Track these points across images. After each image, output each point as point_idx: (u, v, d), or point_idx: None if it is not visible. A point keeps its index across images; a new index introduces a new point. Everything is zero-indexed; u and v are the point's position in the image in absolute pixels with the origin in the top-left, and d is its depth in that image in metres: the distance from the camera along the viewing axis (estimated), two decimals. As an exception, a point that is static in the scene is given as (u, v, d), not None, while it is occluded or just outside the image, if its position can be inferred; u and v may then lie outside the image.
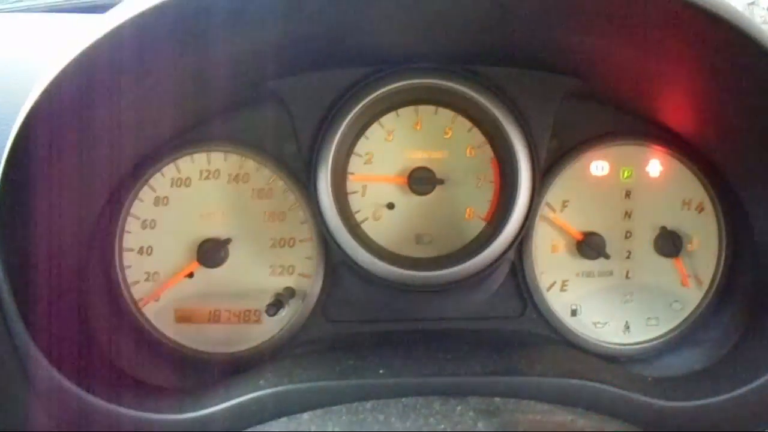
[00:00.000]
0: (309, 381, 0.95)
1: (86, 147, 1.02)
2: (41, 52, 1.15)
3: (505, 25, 1.05)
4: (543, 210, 1.26)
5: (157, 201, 1.22)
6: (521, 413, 0.86)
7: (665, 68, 1.05)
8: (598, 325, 1.28)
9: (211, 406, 0.96)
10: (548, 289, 1.27)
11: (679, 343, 1.26)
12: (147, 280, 1.22)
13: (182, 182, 1.23)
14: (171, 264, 1.22)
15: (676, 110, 1.22)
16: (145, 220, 1.22)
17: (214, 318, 1.24)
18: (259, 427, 0.89)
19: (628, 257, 1.27)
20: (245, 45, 1.02)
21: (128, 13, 0.82)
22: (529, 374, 1.00)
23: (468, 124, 1.23)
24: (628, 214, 1.27)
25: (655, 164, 1.26)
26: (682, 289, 1.27)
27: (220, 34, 0.95)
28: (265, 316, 1.21)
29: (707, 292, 1.27)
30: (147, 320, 1.22)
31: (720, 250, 1.26)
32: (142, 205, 1.22)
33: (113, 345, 1.15)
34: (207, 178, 1.23)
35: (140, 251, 1.22)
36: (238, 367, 1.19)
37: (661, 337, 1.27)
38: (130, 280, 1.22)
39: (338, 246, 1.17)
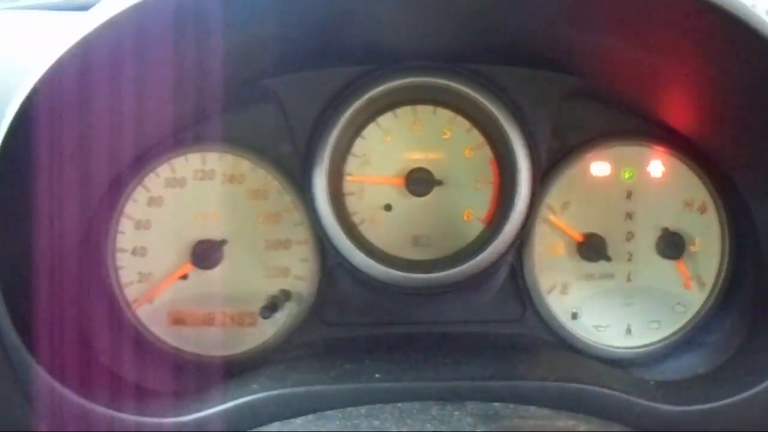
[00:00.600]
0: (303, 385, 0.94)
1: (78, 147, 1.00)
2: (31, 49, 1.14)
3: (505, 22, 1.03)
4: (543, 211, 1.24)
5: (151, 201, 1.21)
6: (520, 419, 0.84)
7: (668, 66, 1.04)
8: (599, 329, 1.26)
9: (203, 410, 0.94)
10: (548, 292, 1.25)
11: (682, 346, 1.25)
12: (140, 281, 1.21)
13: (177, 182, 1.21)
14: (165, 265, 1.21)
15: (679, 109, 1.20)
16: (139, 221, 1.20)
17: (209, 320, 1.22)
18: None
19: (629, 259, 1.25)
20: (240, 41, 1.00)
21: (117, 8, 0.81)
22: (528, 379, 0.98)
23: (467, 124, 1.22)
24: (629, 216, 1.25)
25: (657, 165, 1.24)
26: (684, 291, 1.25)
27: (216, 29, 0.94)
28: (260, 319, 1.19)
29: (710, 294, 1.25)
30: (140, 322, 1.20)
31: (723, 252, 1.24)
32: (136, 206, 1.20)
33: (106, 347, 1.14)
34: (202, 178, 1.22)
35: (134, 252, 1.20)
36: (233, 371, 1.16)
37: (663, 340, 1.25)
38: (123, 281, 1.20)
39: (334, 248, 1.16)
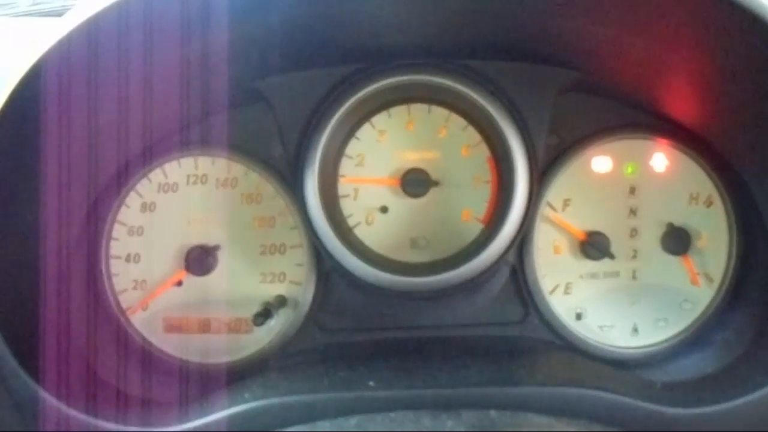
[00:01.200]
0: (295, 394, 0.91)
1: (69, 151, 0.99)
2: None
3: (500, 16, 1.01)
4: (544, 209, 1.21)
5: (144, 207, 1.19)
6: (517, 428, 0.81)
7: (669, 55, 1.00)
8: (604, 329, 1.23)
9: (194, 419, 0.92)
10: (551, 293, 1.22)
11: (690, 344, 1.21)
12: (135, 288, 1.19)
13: (169, 188, 1.20)
14: (159, 272, 1.19)
15: (682, 100, 1.17)
16: (132, 227, 1.19)
17: (204, 327, 1.21)
18: None
19: (634, 257, 1.22)
20: (228, 43, 0.98)
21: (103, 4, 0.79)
22: (529, 384, 0.96)
23: (463, 122, 1.19)
24: (633, 212, 1.22)
25: (660, 158, 1.21)
26: (692, 288, 1.22)
27: (206, 31, 0.92)
28: (254, 326, 1.17)
29: (718, 290, 1.21)
30: (135, 330, 1.19)
31: (731, 246, 1.21)
32: (129, 212, 1.19)
33: (99, 355, 1.12)
34: (194, 183, 1.20)
35: (127, 259, 1.19)
36: (228, 378, 1.15)
37: (671, 339, 1.22)
38: (117, 288, 1.19)
39: (328, 252, 1.14)
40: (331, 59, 1.13)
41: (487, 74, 1.15)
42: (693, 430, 0.94)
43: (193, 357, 1.20)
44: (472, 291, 1.19)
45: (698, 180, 1.21)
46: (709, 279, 1.22)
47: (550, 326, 1.22)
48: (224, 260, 1.20)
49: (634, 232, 1.22)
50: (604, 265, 1.22)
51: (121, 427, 0.93)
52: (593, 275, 1.23)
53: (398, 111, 1.19)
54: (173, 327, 1.20)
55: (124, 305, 1.19)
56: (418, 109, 1.19)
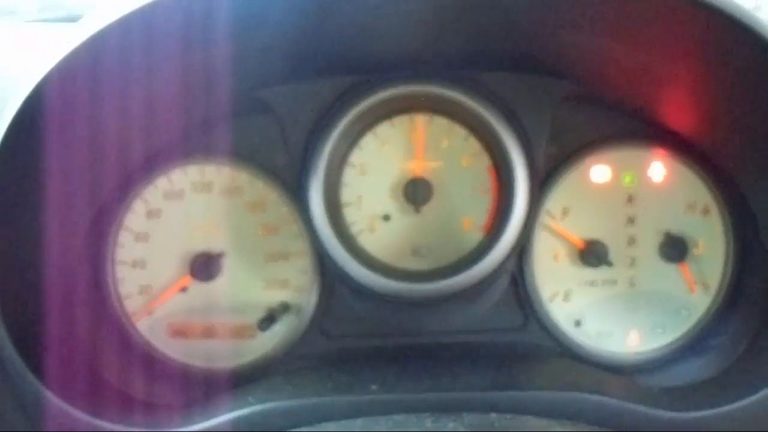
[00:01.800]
0: (299, 397, 0.93)
1: (74, 159, 1.00)
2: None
3: (500, 28, 1.03)
4: (543, 218, 1.23)
5: (150, 214, 1.21)
6: (517, 429, 0.82)
7: (666, 66, 1.02)
8: (603, 336, 1.24)
9: (199, 422, 0.94)
10: (550, 300, 1.24)
11: (687, 351, 1.23)
12: (140, 293, 1.21)
13: (175, 195, 1.21)
14: (164, 277, 1.21)
15: (679, 111, 1.19)
16: (137, 233, 1.21)
17: (209, 333, 1.22)
18: None
19: (632, 264, 1.24)
20: (233, 53, 1.00)
21: (112, 16, 0.81)
22: (528, 388, 0.97)
23: (464, 132, 1.21)
24: (631, 220, 1.24)
25: (658, 167, 1.23)
26: (689, 295, 1.24)
27: (213, 40, 0.94)
28: (259, 331, 1.18)
29: (715, 297, 1.23)
30: (140, 335, 1.21)
31: (727, 254, 1.22)
32: (135, 218, 1.20)
33: (104, 359, 1.14)
34: (200, 190, 1.22)
35: (133, 264, 1.21)
36: (232, 383, 1.16)
37: (668, 345, 1.24)
38: (122, 293, 1.20)
39: (332, 260, 1.15)
40: (335, 69, 1.14)
41: (487, 85, 1.16)
42: None
43: (198, 362, 1.21)
44: (472, 298, 1.21)
45: (695, 189, 1.23)
46: (706, 286, 1.23)
47: (549, 333, 1.23)
48: (229, 267, 1.21)
49: (632, 241, 1.24)
50: (603, 272, 1.24)
51: (125, 428, 0.94)
52: (592, 283, 1.24)
53: (401, 121, 1.20)
54: (178, 332, 1.22)
55: (129, 310, 1.20)
56: (421, 119, 1.21)
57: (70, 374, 1.02)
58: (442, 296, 1.16)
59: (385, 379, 0.99)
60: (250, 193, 1.22)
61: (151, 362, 1.20)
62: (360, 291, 1.17)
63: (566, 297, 1.24)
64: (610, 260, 1.22)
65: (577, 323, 1.24)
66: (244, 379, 1.14)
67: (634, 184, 1.23)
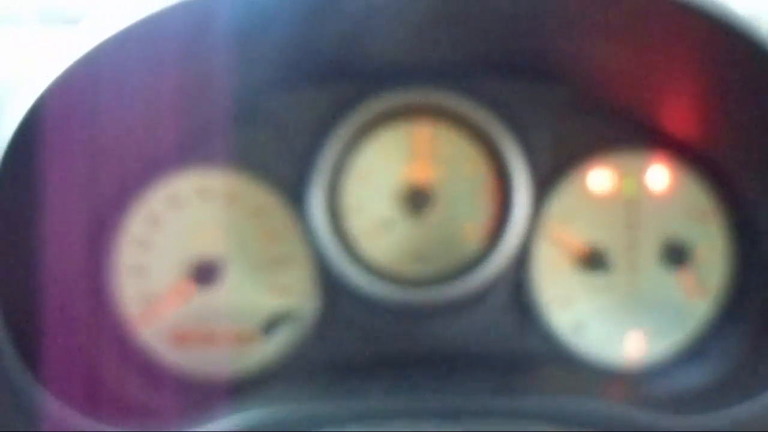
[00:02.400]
0: (299, 403, 0.93)
1: (73, 166, 1.01)
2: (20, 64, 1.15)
3: (501, 35, 1.03)
4: (544, 224, 1.23)
5: (150, 220, 1.21)
6: (516, 434, 0.83)
7: (668, 73, 1.03)
8: (603, 342, 1.24)
9: (199, 426, 0.94)
10: (551, 306, 1.24)
11: (687, 356, 1.22)
12: (140, 300, 1.21)
13: (175, 201, 1.22)
14: (164, 284, 1.21)
15: (680, 117, 1.19)
16: (138, 240, 1.21)
17: (210, 339, 1.22)
18: None
19: (632, 270, 1.24)
20: (234, 60, 1.01)
21: (112, 25, 0.82)
22: (528, 393, 0.97)
23: (464, 138, 1.21)
24: (631, 226, 1.24)
25: (659, 173, 1.23)
26: (689, 301, 1.23)
27: (213, 46, 0.95)
28: (261, 338, 1.19)
29: (716, 303, 1.23)
30: (140, 341, 1.21)
31: (728, 260, 1.23)
32: (136, 225, 1.21)
33: (104, 365, 1.14)
34: (200, 197, 1.22)
35: (133, 271, 1.21)
36: (232, 389, 1.16)
37: (669, 351, 1.23)
38: (123, 300, 1.20)
39: (332, 266, 1.15)
40: (335, 76, 1.15)
41: (487, 91, 1.17)
42: None
43: (198, 368, 1.21)
44: (472, 305, 1.21)
45: (696, 195, 1.23)
46: (707, 292, 1.23)
47: (549, 339, 1.23)
48: (229, 273, 1.22)
49: (632, 247, 1.24)
50: (603, 278, 1.24)
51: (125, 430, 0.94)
52: (592, 289, 1.24)
53: (401, 127, 1.21)
54: (178, 339, 1.22)
55: (129, 317, 1.20)
56: (421, 125, 1.21)
57: (70, 379, 1.02)
58: (442, 303, 1.17)
59: (384, 386, 0.99)
60: (251, 199, 1.22)
61: (151, 368, 1.20)
62: (360, 297, 1.17)
63: (567, 303, 1.24)
64: (610, 266, 1.22)
65: (578, 329, 1.24)
66: (244, 385, 1.14)
67: (635, 190, 1.24)
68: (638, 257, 1.24)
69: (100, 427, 0.94)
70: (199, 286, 1.20)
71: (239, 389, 1.14)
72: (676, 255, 1.22)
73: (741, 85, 0.96)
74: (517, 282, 1.23)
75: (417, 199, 1.20)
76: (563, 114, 1.18)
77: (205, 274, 1.20)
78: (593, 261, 1.22)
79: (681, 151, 1.22)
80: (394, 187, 1.22)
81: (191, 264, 1.20)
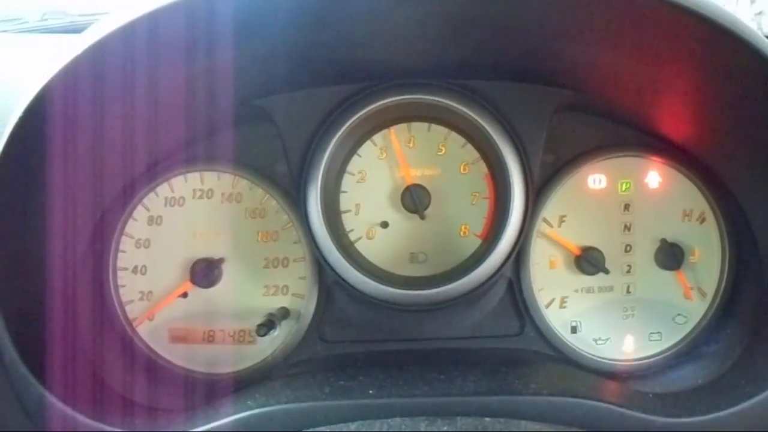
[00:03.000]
0: (297, 401, 0.94)
1: (76, 167, 1.02)
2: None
3: (499, 38, 1.04)
4: (540, 225, 1.24)
5: (151, 220, 1.23)
6: (510, 433, 0.84)
7: (662, 77, 1.04)
8: (599, 342, 1.25)
9: (199, 425, 0.94)
10: (547, 306, 1.25)
11: (683, 357, 1.24)
12: (141, 299, 1.22)
13: (176, 202, 1.23)
14: (165, 283, 1.22)
15: (674, 120, 1.20)
16: (138, 240, 1.22)
17: (208, 338, 1.23)
18: None
19: (628, 271, 1.25)
20: (233, 62, 1.01)
21: (115, 25, 0.82)
22: (523, 393, 0.97)
23: (461, 140, 1.22)
24: (627, 228, 1.25)
25: (654, 176, 1.24)
26: (685, 302, 1.25)
27: (214, 48, 0.95)
28: (259, 337, 1.19)
29: (711, 304, 1.24)
30: (141, 340, 1.22)
31: (723, 261, 1.23)
32: (136, 225, 1.22)
33: (106, 364, 1.15)
34: (200, 197, 1.23)
35: (134, 270, 1.22)
36: (232, 387, 1.18)
37: (664, 352, 1.25)
38: (124, 299, 1.22)
39: (330, 266, 1.16)
40: (334, 78, 1.16)
41: (485, 94, 1.18)
42: None
43: (198, 367, 1.23)
44: (469, 304, 1.22)
45: (691, 197, 1.24)
46: (702, 293, 1.24)
47: (545, 339, 1.24)
48: (229, 273, 1.23)
49: (628, 248, 1.25)
50: (599, 279, 1.25)
51: (127, 431, 0.95)
52: (588, 289, 1.25)
53: (399, 129, 1.22)
54: (178, 337, 1.23)
55: (130, 316, 1.22)
56: (419, 127, 1.22)
57: (73, 378, 1.03)
58: (439, 302, 1.17)
59: (381, 384, 1.00)
60: (250, 200, 1.23)
61: (152, 367, 1.21)
62: (358, 297, 1.18)
63: (563, 303, 1.25)
64: (607, 267, 1.23)
65: (574, 329, 1.25)
66: (243, 384, 1.15)
67: (631, 192, 1.25)
68: (634, 259, 1.25)
69: (102, 427, 0.95)
70: (198, 286, 1.21)
71: (239, 386, 1.15)
72: (671, 257, 1.23)
73: (737, 89, 0.97)
74: (513, 282, 1.24)
75: (414, 200, 1.21)
76: (559, 117, 1.19)
77: (204, 273, 1.21)
78: (589, 262, 1.22)
79: (677, 154, 1.23)
80: (392, 188, 1.23)
81: (191, 264, 1.21)
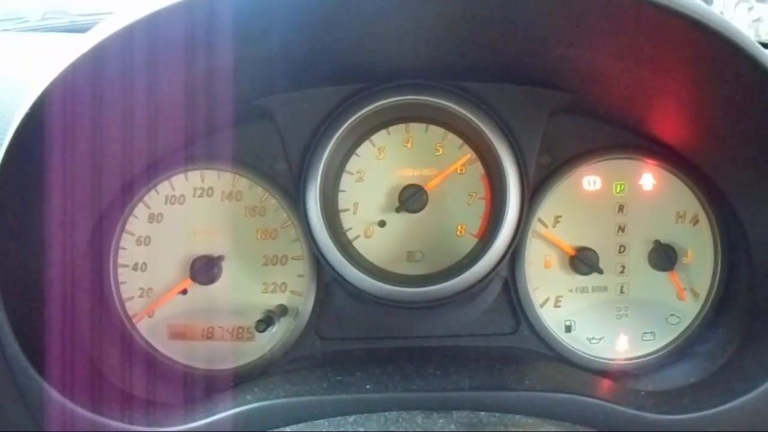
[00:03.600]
0: (295, 396, 0.95)
1: (76, 165, 1.03)
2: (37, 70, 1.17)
3: (496, 41, 1.05)
4: (535, 226, 1.26)
5: (152, 218, 1.24)
6: (503, 426, 0.85)
7: (656, 80, 1.05)
8: (592, 341, 1.27)
9: (199, 420, 0.96)
10: (542, 305, 1.26)
11: (676, 356, 1.25)
12: (141, 296, 1.24)
13: (176, 200, 1.24)
14: (165, 280, 1.24)
15: (668, 122, 1.22)
16: (139, 237, 1.24)
17: (208, 335, 1.25)
18: None
19: (622, 272, 1.27)
20: (234, 62, 1.03)
21: (116, 25, 0.84)
22: (517, 389, 0.99)
23: (458, 140, 1.24)
24: (621, 229, 1.26)
25: (648, 178, 1.26)
26: (678, 302, 1.26)
27: (215, 48, 0.97)
28: (257, 333, 1.21)
29: (704, 304, 1.26)
30: (141, 336, 1.23)
31: (716, 262, 1.25)
32: (137, 222, 1.23)
33: (105, 359, 1.16)
34: (200, 195, 1.25)
35: (135, 267, 1.23)
36: (231, 384, 1.19)
37: (657, 351, 1.26)
38: (124, 296, 1.23)
39: (328, 264, 1.18)
40: (334, 79, 1.17)
41: (482, 95, 1.19)
42: None
43: (197, 363, 1.24)
44: (465, 302, 1.24)
45: (685, 199, 1.26)
46: (695, 294, 1.26)
47: (540, 337, 1.26)
48: (228, 270, 1.24)
49: (622, 249, 1.26)
50: (593, 279, 1.26)
51: (127, 427, 0.96)
52: (582, 289, 1.27)
53: (397, 129, 1.24)
54: (178, 334, 1.24)
55: (130, 312, 1.23)
56: (416, 127, 1.24)
57: (73, 373, 1.04)
58: (435, 300, 1.18)
59: (378, 380, 1.01)
60: (250, 198, 1.25)
61: (151, 363, 1.22)
62: (355, 294, 1.19)
63: (557, 303, 1.27)
64: (601, 267, 1.24)
65: (568, 328, 1.27)
66: (242, 380, 1.17)
67: (625, 193, 1.26)
68: (628, 259, 1.26)
69: (101, 420, 0.96)
70: (197, 283, 1.23)
71: (238, 382, 1.16)
72: (665, 258, 1.25)
73: (731, 93, 0.98)
74: (508, 281, 1.26)
75: (412, 200, 1.22)
76: (555, 119, 1.21)
77: (203, 271, 1.22)
78: (584, 262, 1.24)
79: (671, 157, 1.25)
80: (390, 187, 1.24)
81: (190, 261, 1.23)
